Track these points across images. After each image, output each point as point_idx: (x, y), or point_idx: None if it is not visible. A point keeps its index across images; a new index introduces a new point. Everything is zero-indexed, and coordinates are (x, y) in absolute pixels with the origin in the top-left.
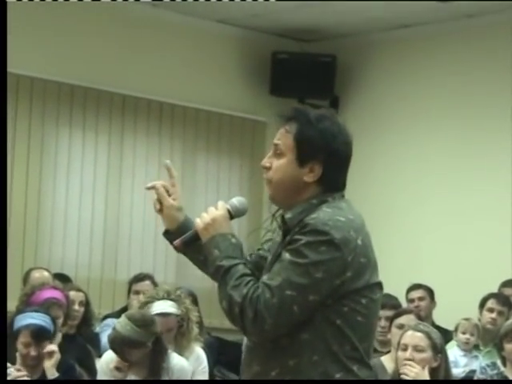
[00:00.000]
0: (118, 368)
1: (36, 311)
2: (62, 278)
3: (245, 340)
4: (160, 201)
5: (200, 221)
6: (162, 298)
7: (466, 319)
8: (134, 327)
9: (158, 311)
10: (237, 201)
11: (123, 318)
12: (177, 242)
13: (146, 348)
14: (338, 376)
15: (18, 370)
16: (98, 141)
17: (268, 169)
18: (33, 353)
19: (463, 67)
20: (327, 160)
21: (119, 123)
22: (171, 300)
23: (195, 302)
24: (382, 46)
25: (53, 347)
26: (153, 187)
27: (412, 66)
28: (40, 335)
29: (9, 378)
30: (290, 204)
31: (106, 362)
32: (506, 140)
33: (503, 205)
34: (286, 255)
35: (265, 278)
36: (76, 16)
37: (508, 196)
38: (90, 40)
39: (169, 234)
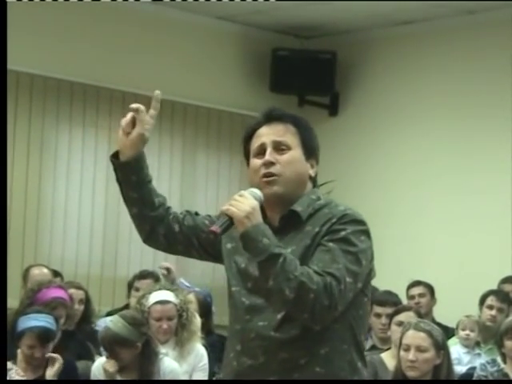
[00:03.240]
0: (106, 371)
1: (39, 312)
2: (53, 274)
3: (256, 328)
4: (134, 124)
5: (237, 208)
6: (159, 289)
7: (467, 316)
8: (125, 324)
9: (157, 299)
10: (259, 192)
11: (116, 316)
12: (215, 228)
13: (136, 349)
14: (359, 364)
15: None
16: (98, 137)
17: (272, 164)
18: (37, 354)
19: (465, 64)
20: (318, 159)
21: (119, 120)
22: (170, 291)
23: (208, 309)
24: (383, 42)
25: (56, 356)
26: (136, 109)
27: (413, 62)
28: (45, 337)
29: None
30: (294, 198)
31: (98, 368)
32: (507, 138)
33: (503, 202)
34: (330, 244)
35: (315, 267)
36: (75, 13)
37: (508, 194)
38: (89, 37)
39: (117, 159)
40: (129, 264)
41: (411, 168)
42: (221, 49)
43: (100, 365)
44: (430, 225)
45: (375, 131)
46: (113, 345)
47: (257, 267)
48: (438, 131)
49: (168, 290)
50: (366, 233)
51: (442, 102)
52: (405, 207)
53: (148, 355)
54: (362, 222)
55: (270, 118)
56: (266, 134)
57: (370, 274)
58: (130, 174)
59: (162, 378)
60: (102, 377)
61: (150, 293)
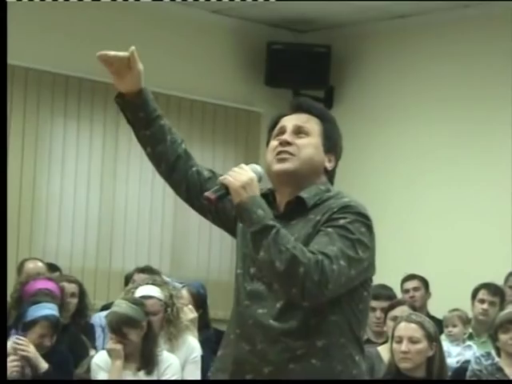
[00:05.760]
0: (113, 350)
1: (49, 301)
2: (51, 268)
3: (255, 314)
4: (130, 65)
5: (234, 178)
6: (146, 284)
7: (453, 310)
8: (129, 305)
9: (140, 294)
10: (260, 168)
11: (118, 300)
12: (210, 195)
13: (142, 329)
14: (357, 358)
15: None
16: (93, 131)
17: (289, 144)
18: (47, 343)
19: (459, 58)
20: (337, 156)
21: (114, 113)
22: (155, 285)
23: (204, 300)
24: (378, 36)
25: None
26: (105, 54)
27: (408, 56)
28: (56, 326)
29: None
30: (303, 184)
31: (97, 362)
32: (504, 131)
33: (499, 195)
34: (329, 229)
35: (311, 248)
36: (70, 6)
37: (504, 187)
38: (83, 31)
39: (122, 99)
40: (124, 257)
41: (406, 161)
42: (216, 43)
43: (101, 356)
44: (425, 218)
45: (370, 125)
46: (121, 326)
47: (250, 238)
48: (434, 124)
49: (154, 285)
50: (367, 226)
51: (437, 95)
52: (400, 200)
53: (152, 337)
54: (364, 216)
55: (298, 108)
56: (289, 120)
57: (369, 268)
58: (138, 111)
59: (163, 369)
60: (105, 366)
61: (136, 287)
